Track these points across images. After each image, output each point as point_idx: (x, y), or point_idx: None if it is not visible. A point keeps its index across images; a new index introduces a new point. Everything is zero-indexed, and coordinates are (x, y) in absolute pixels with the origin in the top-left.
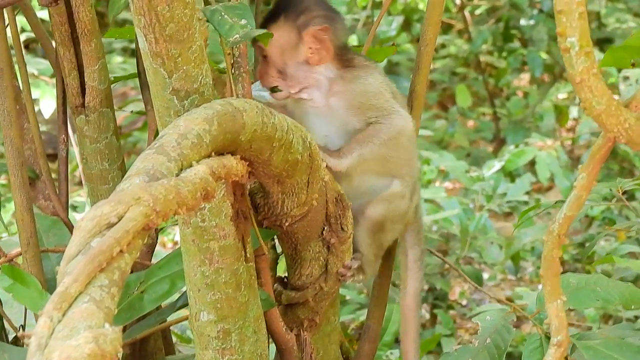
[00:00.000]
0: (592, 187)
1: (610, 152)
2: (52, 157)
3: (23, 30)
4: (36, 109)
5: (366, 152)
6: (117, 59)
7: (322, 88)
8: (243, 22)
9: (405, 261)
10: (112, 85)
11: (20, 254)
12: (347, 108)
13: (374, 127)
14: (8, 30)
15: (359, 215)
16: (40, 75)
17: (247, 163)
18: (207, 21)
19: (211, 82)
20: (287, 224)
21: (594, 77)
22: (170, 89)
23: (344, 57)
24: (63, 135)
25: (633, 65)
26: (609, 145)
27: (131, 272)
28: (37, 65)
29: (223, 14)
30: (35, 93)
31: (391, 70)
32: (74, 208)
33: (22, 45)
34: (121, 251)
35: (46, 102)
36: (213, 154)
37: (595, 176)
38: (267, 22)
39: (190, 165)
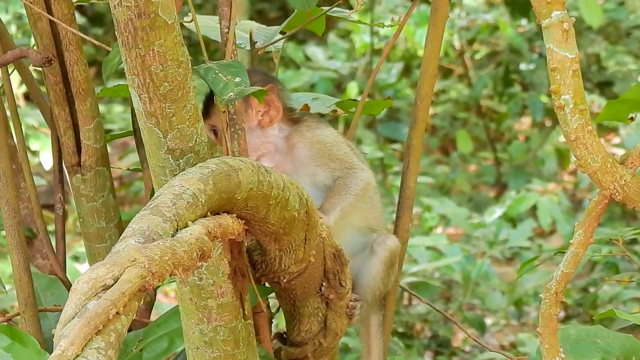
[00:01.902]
0: (588, 244)
1: None
2: (53, 208)
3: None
4: (36, 160)
5: (346, 206)
6: (118, 108)
7: (280, 148)
8: (237, 79)
9: (368, 328)
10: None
11: (19, 314)
12: (310, 157)
13: (343, 182)
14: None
15: (378, 247)
16: (40, 127)
17: (244, 221)
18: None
19: (206, 141)
20: (285, 280)
21: (589, 134)
22: (166, 148)
23: (294, 116)
24: (60, 194)
25: (631, 119)
26: (605, 202)
27: (130, 329)
28: (37, 117)
29: (217, 72)
30: (35, 145)
31: (391, 116)
32: (76, 259)
33: (22, 97)
34: (117, 313)
35: (46, 154)
36: (209, 213)
37: (591, 233)
38: (209, 99)
39: (186, 226)
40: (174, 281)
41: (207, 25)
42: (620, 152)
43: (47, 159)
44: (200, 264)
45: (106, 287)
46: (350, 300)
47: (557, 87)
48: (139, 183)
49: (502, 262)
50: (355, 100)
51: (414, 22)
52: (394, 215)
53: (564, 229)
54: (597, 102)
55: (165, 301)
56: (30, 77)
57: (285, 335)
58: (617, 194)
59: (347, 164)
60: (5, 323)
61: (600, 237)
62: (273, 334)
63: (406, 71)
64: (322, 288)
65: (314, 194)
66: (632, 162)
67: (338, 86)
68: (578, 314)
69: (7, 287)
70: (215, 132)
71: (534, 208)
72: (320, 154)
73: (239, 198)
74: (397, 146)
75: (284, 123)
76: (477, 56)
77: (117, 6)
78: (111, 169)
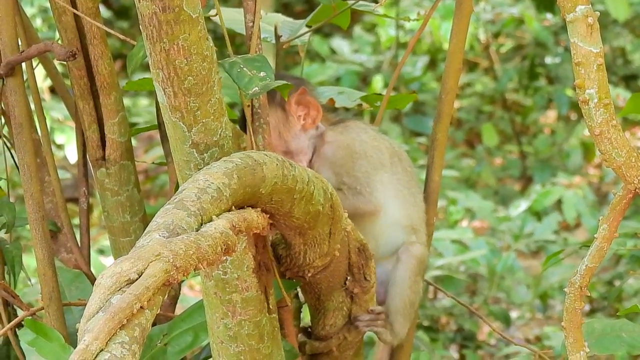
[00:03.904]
0: (613, 238)
1: None
2: (78, 202)
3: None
4: (62, 154)
5: None
6: (144, 101)
7: (315, 145)
8: (262, 74)
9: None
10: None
11: (43, 308)
12: (331, 161)
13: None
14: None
15: (403, 255)
16: (65, 120)
17: (268, 215)
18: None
19: (231, 135)
20: (309, 274)
21: (614, 128)
22: (190, 142)
23: (331, 116)
24: (84, 188)
25: None
26: (629, 197)
27: (154, 324)
28: (62, 110)
29: (242, 66)
30: (60, 138)
31: (417, 109)
32: (102, 252)
33: (48, 91)
34: (142, 307)
35: (72, 147)
36: (233, 207)
37: (616, 228)
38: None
39: (210, 220)
40: (199, 275)
41: (232, 18)
42: None
43: (72, 153)
44: (224, 258)
45: (130, 282)
46: (370, 311)
47: (581, 82)
48: (165, 176)
49: (527, 256)
50: (380, 94)
51: (439, 15)
52: None
53: (589, 223)
54: (623, 95)
55: (190, 294)
56: (55, 71)
57: (310, 329)
58: None
59: (357, 186)
60: (30, 317)
61: (625, 231)
62: (300, 325)
63: (432, 65)
64: (347, 282)
65: None
66: None
67: (364, 79)
68: (603, 307)
69: (33, 280)
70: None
71: (559, 201)
72: (342, 162)
73: (263, 192)
74: (422, 139)
75: (322, 121)
76: (503, 49)
77: (141, 0)
78: (136, 162)
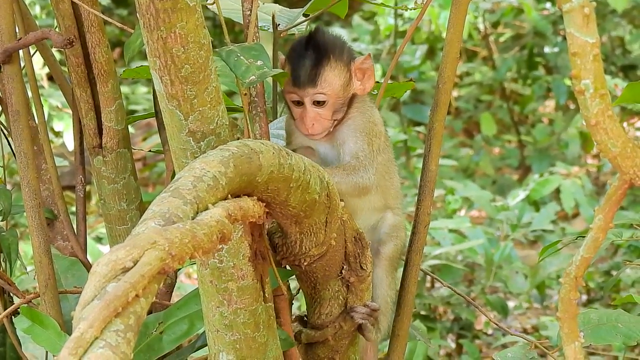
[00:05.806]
0: (608, 229)
1: None
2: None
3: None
4: (60, 141)
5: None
6: (142, 89)
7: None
8: (259, 62)
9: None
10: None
11: (39, 296)
12: (357, 132)
13: (344, 169)
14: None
15: (376, 258)
16: (63, 108)
17: (264, 204)
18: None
19: (227, 123)
20: (305, 263)
21: (609, 119)
22: (187, 130)
23: None
24: (80, 176)
25: None
26: (625, 187)
27: (150, 312)
28: (60, 98)
29: (239, 55)
30: (58, 126)
31: (415, 98)
32: (99, 240)
33: (46, 78)
34: (137, 296)
35: (70, 135)
36: (229, 195)
37: (611, 218)
38: (317, 64)
39: (206, 208)
40: (194, 263)
41: (230, 8)
42: None
43: (70, 140)
44: (220, 246)
45: (126, 270)
46: (366, 306)
47: (577, 72)
48: (163, 164)
49: (525, 245)
50: (377, 82)
51: (438, 4)
52: (416, 198)
53: (587, 212)
54: (621, 85)
55: (188, 282)
56: (53, 58)
57: (305, 318)
58: (637, 178)
59: (365, 160)
60: (26, 305)
61: (623, 221)
62: (293, 316)
63: (430, 53)
64: (343, 271)
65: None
66: None
67: None
68: (601, 297)
69: (29, 268)
70: (297, 102)
71: (557, 191)
72: (364, 134)
73: (259, 181)
74: (420, 128)
75: None
76: (502, 39)
77: None
78: (134, 150)
